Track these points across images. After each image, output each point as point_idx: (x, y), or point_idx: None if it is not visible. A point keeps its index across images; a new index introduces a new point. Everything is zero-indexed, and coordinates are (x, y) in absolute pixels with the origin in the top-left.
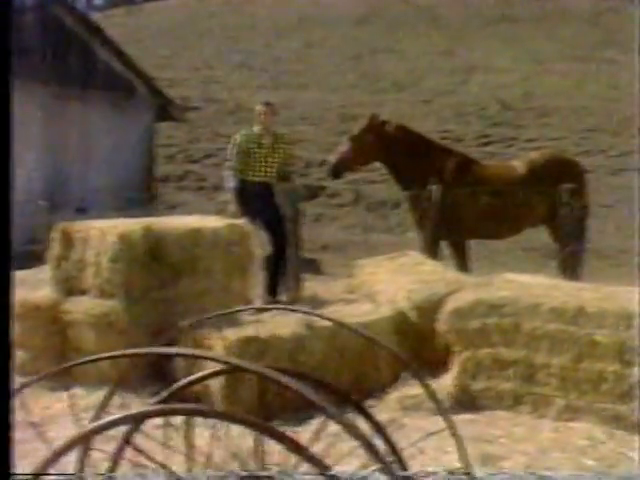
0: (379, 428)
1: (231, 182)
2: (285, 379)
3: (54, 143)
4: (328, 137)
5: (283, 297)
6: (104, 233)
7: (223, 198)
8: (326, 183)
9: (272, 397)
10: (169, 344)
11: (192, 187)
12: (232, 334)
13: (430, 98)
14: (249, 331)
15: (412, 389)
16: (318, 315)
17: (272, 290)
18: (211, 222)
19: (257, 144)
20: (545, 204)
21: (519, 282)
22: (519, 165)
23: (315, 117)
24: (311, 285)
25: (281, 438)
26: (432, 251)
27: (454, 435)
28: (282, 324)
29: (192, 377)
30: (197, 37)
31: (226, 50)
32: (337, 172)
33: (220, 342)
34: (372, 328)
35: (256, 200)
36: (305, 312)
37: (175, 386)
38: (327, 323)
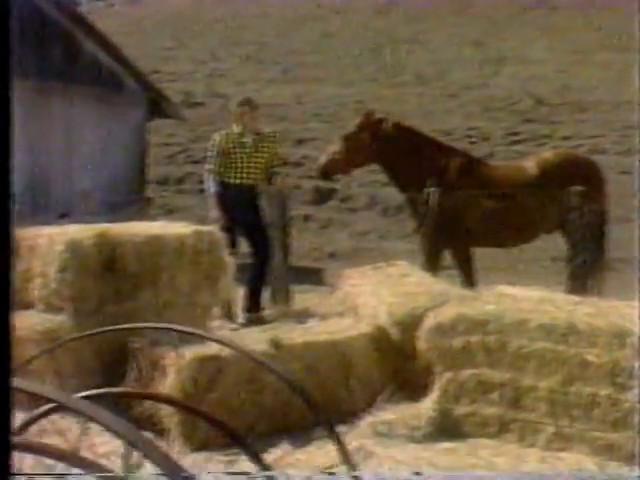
0: (266, 468)
1: (211, 186)
2: (99, 414)
3: (34, 142)
4: None
5: (270, 311)
6: (52, 241)
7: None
8: (337, 186)
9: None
10: (119, 364)
11: (193, 190)
12: (189, 353)
13: (456, 92)
14: (208, 349)
15: (386, 414)
16: (226, 344)
17: (254, 304)
18: (176, 229)
19: (238, 144)
20: (558, 209)
21: (511, 295)
22: (530, 166)
23: (329, 113)
24: (308, 297)
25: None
26: (433, 261)
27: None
28: (250, 341)
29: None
30: (203, 27)
31: (235, 41)
32: (326, 174)
33: (175, 361)
34: (349, 346)
35: (238, 205)
36: (215, 341)
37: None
38: (298, 340)
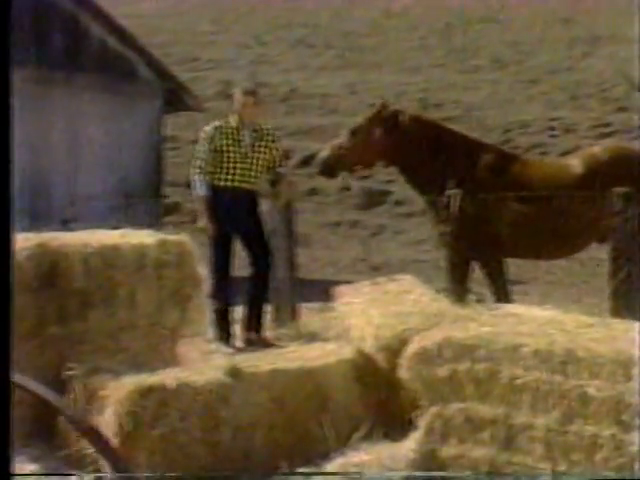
0: None
1: (200, 188)
2: None
3: (33, 139)
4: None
5: (275, 332)
6: None
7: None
8: (393, 188)
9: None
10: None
11: None
12: (131, 382)
13: (538, 77)
14: (152, 379)
15: (361, 454)
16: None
17: (254, 324)
18: (136, 237)
19: (233, 140)
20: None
21: (517, 315)
22: (575, 163)
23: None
24: (325, 317)
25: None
26: (458, 274)
27: None
28: (209, 368)
29: None
30: (248, 8)
31: (283, 23)
32: (330, 170)
33: (114, 392)
34: (325, 375)
35: (232, 212)
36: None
37: None
38: (264, 368)
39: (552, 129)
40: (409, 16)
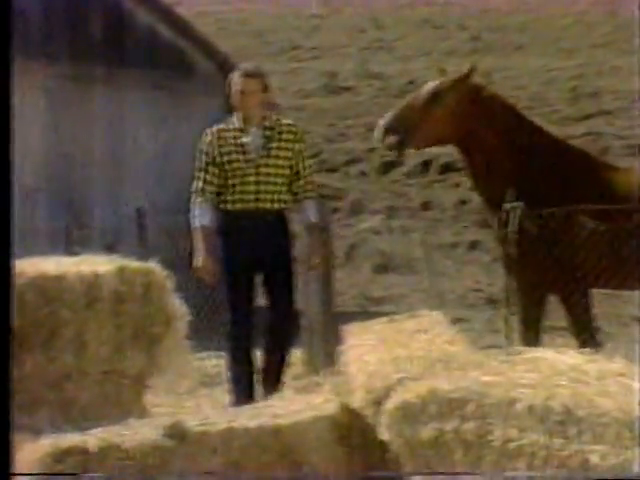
0: None
1: (198, 217)
2: None
3: (69, 147)
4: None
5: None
6: None
7: (368, 224)
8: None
9: None
10: None
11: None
12: (48, 444)
13: None
14: (73, 439)
15: None
16: None
17: (272, 377)
18: (89, 265)
19: (236, 146)
20: None
21: (540, 361)
22: None
23: (531, 94)
24: None
25: None
26: (531, 310)
27: None
28: (149, 427)
29: None
30: None
31: (406, 2)
32: (395, 140)
33: (28, 455)
34: (298, 435)
35: (245, 245)
36: None
37: None
38: (219, 427)
39: None
40: None
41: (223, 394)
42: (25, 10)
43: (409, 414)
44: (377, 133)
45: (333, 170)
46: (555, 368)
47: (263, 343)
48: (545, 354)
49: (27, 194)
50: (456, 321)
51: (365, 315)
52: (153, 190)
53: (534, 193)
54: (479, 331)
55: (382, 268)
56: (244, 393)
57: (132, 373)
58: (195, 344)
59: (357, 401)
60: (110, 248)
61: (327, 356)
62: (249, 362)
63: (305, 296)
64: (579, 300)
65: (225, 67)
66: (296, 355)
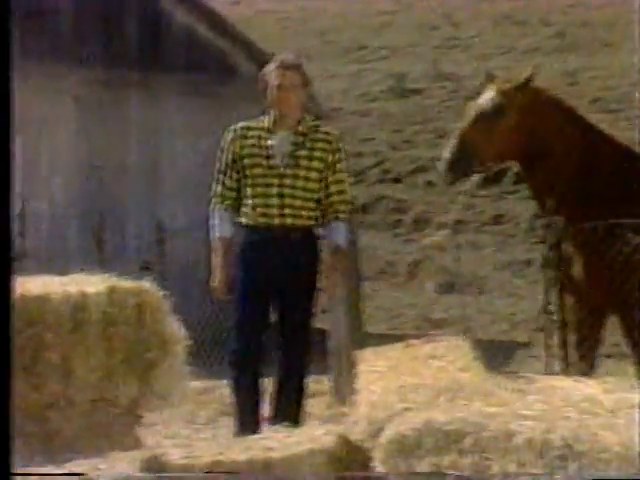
0: None
1: (218, 227)
2: None
3: (102, 157)
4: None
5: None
6: None
7: (432, 239)
8: None
9: None
10: None
11: (385, 223)
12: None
13: None
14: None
15: None
16: None
17: (290, 411)
18: (77, 285)
19: (261, 150)
20: None
21: (545, 391)
22: None
23: (618, 96)
24: None
25: None
26: (588, 335)
27: None
28: (122, 458)
29: None
30: None
31: None
32: (457, 169)
33: None
34: (292, 469)
35: (262, 267)
36: None
37: None
38: (204, 459)
39: None
40: None
41: None
42: (55, 11)
43: (404, 448)
44: (441, 168)
45: (397, 180)
46: (567, 398)
47: (277, 372)
48: (562, 383)
49: (56, 209)
50: (524, 346)
51: (396, 338)
52: (191, 204)
53: (599, 204)
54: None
55: (446, 287)
56: (249, 424)
57: (124, 402)
58: (218, 370)
59: (358, 433)
60: (145, 269)
61: (349, 384)
62: (256, 390)
63: (331, 318)
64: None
65: None
66: (324, 382)
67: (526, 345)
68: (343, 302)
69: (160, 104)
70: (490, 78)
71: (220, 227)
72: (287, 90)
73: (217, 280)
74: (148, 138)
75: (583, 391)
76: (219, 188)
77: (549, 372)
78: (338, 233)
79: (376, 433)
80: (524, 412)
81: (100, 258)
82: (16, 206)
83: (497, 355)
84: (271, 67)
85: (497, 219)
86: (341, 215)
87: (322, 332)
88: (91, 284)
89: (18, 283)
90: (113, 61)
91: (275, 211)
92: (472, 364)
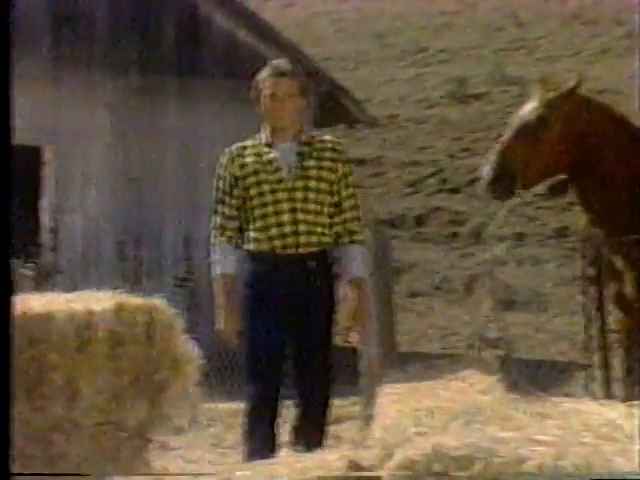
0: None
1: (219, 262)
2: None
3: (137, 168)
4: None
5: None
6: None
7: (492, 253)
8: None
9: None
10: None
11: (440, 236)
12: None
13: None
14: None
15: None
16: None
17: (311, 436)
18: (83, 302)
19: (264, 165)
20: None
21: (567, 415)
22: None
23: None
24: None
25: None
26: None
27: None
28: None
29: None
30: None
31: None
32: (500, 187)
33: None
34: None
35: (274, 300)
36: None
37: None
38: None
39: None
40: None
41: None
42: (89, 16)
43: (413, 473)
44: (481, 188)
45: (454, 190)
46: (587, 423)
47: (297, 401)
48: (586, 406)
49: (90, 223)
50: (584, 367)
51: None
52: None
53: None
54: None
55: (506, 304)
56: (262, 448)
57: (132, 425)
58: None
59: (371, 458)
60: (181, 282)
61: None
62: (272, 437)
63: (362, 336)
64: None
65: (313, 74)
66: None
67: (585, 367)
68: (375, 320)
69: (198, 111)
70: (544, 84)
71: (222, 263)
72: (281, 100)
73: (223, 324)
74: (186, 147)
75: (605, 415)
76: (218, 219)
77: (591, 394)
78: (353, 260)
79: (388, 458)
80: (538, 437)
81: (135, 273)
82: (48, 220)
83: (549, 376)
84: (264, 74)
85: (560, 232)
86: (355, 237)
87: (353, 351)
88: (98, 301)
89: (20, 300)
90: (149, 67)
91: (288, 229)
92: (494, 386)
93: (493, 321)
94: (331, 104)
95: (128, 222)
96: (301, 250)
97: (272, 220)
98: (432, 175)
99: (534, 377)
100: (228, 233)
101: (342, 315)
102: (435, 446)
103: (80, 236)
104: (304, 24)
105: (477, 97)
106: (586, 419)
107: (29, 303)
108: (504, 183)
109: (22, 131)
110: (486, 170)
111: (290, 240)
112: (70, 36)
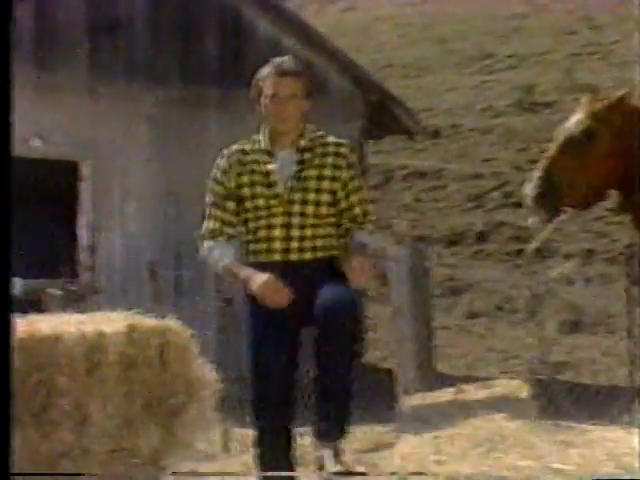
0: None
1: (219, 258)
2: None
3: (179, 184)
4: None
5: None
6: None
7: (558, 271)
8: None
9: None
10: None
11: (504, 251)
12: None
13: None
14: None
15: None
16: None
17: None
18: (93, 324)
19: (262, 175)
20: None
21: (592, 444)
22: None
23: None
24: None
25: None
26: None
27: None
28: None
29: None
30: None
31: None
32: (543, 208)
33: None
34: None
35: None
36: None
37: None
38: None
39: None
40: None
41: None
42: (129, 25)
43: None
44: (526, 205)
45: (519, 205)
46: (612, 452)
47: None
48: (613, 434)
49: (130, 240)
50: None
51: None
52: None
53: None
54: None
55: (571, 326)
56: (275, 460)
57: (145, 452)
58: None
59: None
60: (227, 302)
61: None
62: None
63: (399, 358)
64: None
65: (362, 83)
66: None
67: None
68: (411, 340)
69: (241, 124)
70: (594, 93)
71: (224, 258)
72: (283, 102)
73: (261, 279)
74: None
75: (629, 444)
76: (211, 224)
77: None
78: (362, 236)
79: None
80: (556, 466)
81: (177, 293)
82: (86, 238)
83: (607, 402)
84: (265, 72)
85: (632, 248)
86: (364, 225)
87: (389, 372)
88: (109, 322)
89: (28, 322)
90: (190, 78)
91: (278, 246)
92: (523, 413)
93: (557, 344)
94: (382, 114)
95: (168, 239)
96: (294, 263)
97: (265, 233)
98: (496, 188)
99: (577, 402)
100: (225, 234)
101: (349, 273)
102: (449, 475)
103: (119, 254)
104: (365, 29)
105: (545, 105)
106: (612, 448)
107: (37, 324)
108: (549, 200)
109: (59, 145)
110: (530, 187)
111: (277, 256)
112: (109, 47)
